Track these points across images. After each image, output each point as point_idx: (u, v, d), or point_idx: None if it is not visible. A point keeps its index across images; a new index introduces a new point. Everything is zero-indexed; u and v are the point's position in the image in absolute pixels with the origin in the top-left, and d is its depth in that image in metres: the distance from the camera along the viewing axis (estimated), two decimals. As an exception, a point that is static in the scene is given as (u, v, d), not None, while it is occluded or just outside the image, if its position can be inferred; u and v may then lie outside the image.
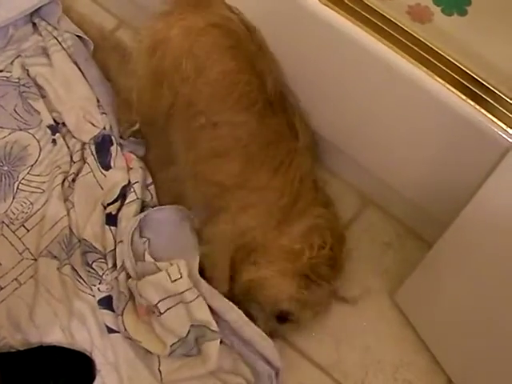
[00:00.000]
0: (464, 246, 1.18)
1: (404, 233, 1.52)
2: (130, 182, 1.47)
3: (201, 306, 1.29)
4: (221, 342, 1.29)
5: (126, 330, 1.31)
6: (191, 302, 1.28)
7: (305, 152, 1.36)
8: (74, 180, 1.49)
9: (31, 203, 1.47)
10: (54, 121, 1.57)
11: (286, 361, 1.33)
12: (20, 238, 1.43)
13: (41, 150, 1.54)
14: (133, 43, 1.47)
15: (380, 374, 1.38)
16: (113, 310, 1.35)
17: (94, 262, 1.39)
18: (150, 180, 1.49)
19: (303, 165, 1.34)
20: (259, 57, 1.34)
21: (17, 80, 1.62)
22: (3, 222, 1.45)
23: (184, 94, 1.34)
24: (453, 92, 1.13)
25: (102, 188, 1.47)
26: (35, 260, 1.40)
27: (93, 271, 1.39)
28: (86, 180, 1.49)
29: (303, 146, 1.36)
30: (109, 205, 1.45)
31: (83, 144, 1.54)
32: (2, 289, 1.37)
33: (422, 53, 1.15)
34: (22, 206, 1.47)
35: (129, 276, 1.35)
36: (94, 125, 1.55)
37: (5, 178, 1.50)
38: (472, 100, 1.12)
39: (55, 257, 1.39)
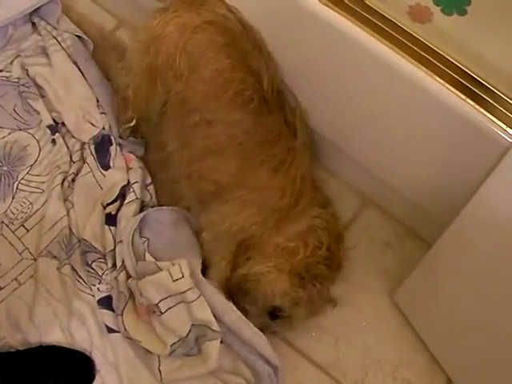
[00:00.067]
0: (463, 245, 1.18)
1: (403, 232, 1.53)
2: (129, 181, 1.47)
3: (202, 305, 1.29)
4: (221, 341, 1.29)
5: (125, 329, 1.31)
6: (193, 301, 1.29)
7: (303, 150, 1.36)
8: (73, 180, 1.49)
9: (31, 203, 1.47)
10: (54, 121, 1.57)
11: (286, 360, 1.34)
12: (20, 238, 1.43)
13: (40, 149, 1.54)
14: (131, 42, 1.46)
15: (379, 373, 1.39)
16: (112, 310, 1.34)
17: (93, 261, 1.39)
18: (149, 180, 1.50)
19: (303, 164, 1.35)
20: (255, 55, 1.34)
21: (16, 80, 1.62)
22: (3, 221, 1.45)
23: (177, 92, 1.34)
24: (452, 92, 1.13)
25: (102, 188, 1.47)
26: (35, 260, 1.40)
27: (92, 271, 1.39)
28: (86, 180, 1.49)
29: (301, 145, 1.36)
30: (108, 205, 1.45)
31: (83, 144, 1.54)
32: (1, 289, 1.37)
33: (421, 53, 1.16)
34: (21, 205, 1.47)
35: (129, 276, 1.35)
36: (93, 125, 1.55)
37: (4, 178, 1.50)
38: (472, 100, 1.12)
39: (55, 257, 1.39)
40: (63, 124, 1.57)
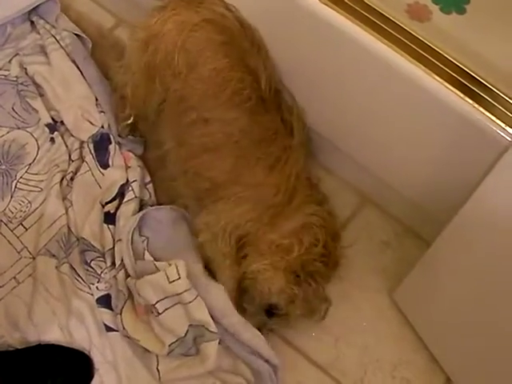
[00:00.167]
0: (462, 244, 1.18)
1: (402, 231, 1.52)
2: (128, 180, 1.46)
3: (199, 306, 1.29)
4: (219, 342, 1.29)
5: (124, 328, 1.31)
6: (190, 302, 1.28)
7: (299, 149, 1.36)
8: (72, 179, 1.49)
9: (29, 202, 1.47)
10: (52, 119, 1.57)
11: (285, 359, 1.34)
12: (18, 237, 1.43)
13: (39, 148, 1.54)
14: (129, 40, 1.46)
15: (379, 372, 1.38)
16: (111, 309, 1.34)
17: (92, 260, 1.39)
18: (148, 179, 1.49)
19: (298, 162, 1.35)
20: (253, 54, 1.34)
21: (15, 78, 1.62)
22: (1, 220, 1.44)
23: (175, 90, 1.34)
24: (451, 90, 1.13)
25: (101, 186, 1.47)
26: (33, 258, 1.40)
27: (91, 270, 1.38)
28: (85, 178, 1.48)
29: (298, 143, 1.36)
30: (107, 203, 1.45)
31: (81, 142, 1.54)
32: (0, 287, 1.37)
33: (420, 51, 1.16)
34: (20, 204, 1.47)
35: (128, 275, 1.35)
36: (92, 123, 1.55)
37: (3, 177, 1.50)
38: (470, 98, 1.12)
39: (53, 255, 1.39)
40: (62, 123, 1.57)
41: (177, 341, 1.28)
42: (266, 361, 1.31)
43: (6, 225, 1.44)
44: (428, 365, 1.39)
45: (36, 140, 1.55)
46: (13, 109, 1.59)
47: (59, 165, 1.50)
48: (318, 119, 1.43)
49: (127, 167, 1.49)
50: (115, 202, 1.45)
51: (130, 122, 1.49)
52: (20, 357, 1.29)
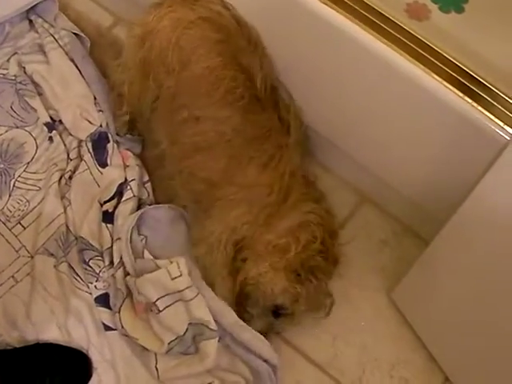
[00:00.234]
0: (461, 243, 1.18)
1: (401, 230, 1.52)
2: (126, 179, 1.46)
3: (200, 304, 1.29)
4: (218, 340, 1.29)
5: (123, 327, 1.31)
6: (191, 300, 1.29)
7: (296, 147, 1.36)
8: (70, 177, 1.49)
9: (28, 201, 1.47)
10: (51, 118, 1.57)
11: (284, 358, 1.34)
12: (16, 236, 1.43)
13: (37, 147, 1.54)
14: (126, 37, 1.46)
15: (377, 371, 1.38)
16: (109, 308, 1.34)
17: (90, 259, 1.39)
18: (146, 178, 1.49)
19: (294, 160, 1.34)
20: (249, 52, 1.34)
21: (13, 77, 1.62)
22: (-1, 219, 1.45)
23: (168, 87, 1.34)
24: (450, 89, 1.13)
25: (99, 185, 1.47)
26: (32, 257, 1.40)
27: (89, 269, 1.38)
28: (83, 177, 1.48)
29: (294, 142, 1.35)
30: (105, 202, 1.45)
31: (80, 141, 1.54)
32: (-2, 286, 1.37)
33: (419, 50, 1.16)
34: (18, 203, 1.47)
35: (127, 273, 1.35)
36: (90, 122, 1.55)
37: (1, 176, 1.50)
38: (469, 97, 1.13)
39: (52, 254, 1.39)
40: (60, 122, 1.57)
41: (176, 339, 1.28)
42: (265, 360, 1.30)
43: (4, 224, 1.44)
44: (426, 364, 1.39)
45: (34, 139, 1.55)
46: (11, 108, 1.59)
47: (57, 164, 1.50)
48: (317, 118, 1.43)
49: (125, 166, 1.49)
50: (113, 201, 1.45)
51: (126, 119, 1.49)
52: (18, 356, 1.29)
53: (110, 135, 1.52)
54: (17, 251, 1.41)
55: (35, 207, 1.46)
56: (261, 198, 1.31)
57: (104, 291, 1.36)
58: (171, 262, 1.31)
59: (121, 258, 1.36)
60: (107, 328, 1.33)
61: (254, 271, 1.29)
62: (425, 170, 1.31)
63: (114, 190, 1.45)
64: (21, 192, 1.48)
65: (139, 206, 1.44)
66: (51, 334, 1.32)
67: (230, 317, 1.31)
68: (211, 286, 1.34)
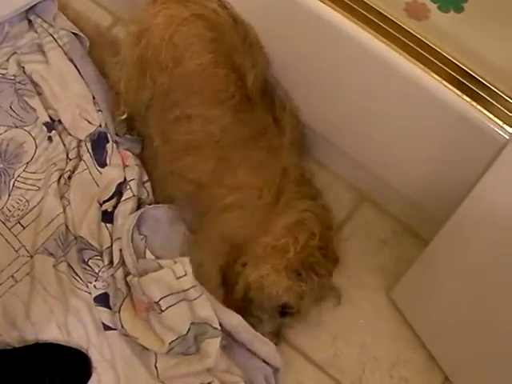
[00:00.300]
0: (460, 243, 1.17)
1: (400, 230, 1.52)
2: (125, 179, 1.46)
3: (204, 303, 1.29)
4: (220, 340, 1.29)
5: (122, 326, 1.31)
6: (195, 299, 1.28)
7: (291, 146, 1.35)
8: (69, 177, 1.49)
9: (27, 200, 1.47)
10: (50, 118, 1.57)
11: (283, 358, 1.33)
12: (16, 236, 1.43)
13: (37, 147, 1.54)
14: (124, 35, 1.47)
15: (376, 371, 1.38)
16: (109, 308, 1.34)
17: (90, 259, 1.39)
18: (146, 177, 1.49)
19: (289, 159, 1.33)
20: (243, 51, 1.33)
21: (12, 77, 1.62)
22: (-1, 219, 1.45)
23: (162, 83, 1.33)
24: (449, 89, 1.13)
25: (98, 185, 1.47)
26: (31, 257, 1.40)
27: (89, 268, 1.38)
28: (82, 177, 1.48)
29: (290, 140, 1.35)
30: (105, 202, 1.45)
31: (79, 141, 1.54)
32: (-3, 286, 1.37)
33: (418, 49, 1.16)
34: (17, 203, 1.47)
35: (127, 273, 1.35)
36: (89, 122, 1.55)
37: (0, 176, 1.50)
38: (468, 97, 1.12)
39: (51, 254, 1.39)
40: (60, 121, 1.57)
41: (177, 339, 1.28)
42: (267, 363, 1.31)
43: (3, 223, 1.44)
44: (426, 363, 1.39)
45: (34, 139, 1.55)
46: (10, 107, 1.58)
47: (57, 163, 1.50)
48: (315, 117, 1.43)
49: (125, 166, 1.48)
50: (113, 201, 1.45)
51: (124, 117, 1.49)
52: (18, 355, 1.29)
53: (109, 135, 1.52)
54: (16, 251, 1.41)
55: (34, 207, 1.46)
56: (252, 200, 1.30)
57: (103, 291, 1.36)
58: (175, 262, 1.31)
59: (120, 257, 1.36)
60: (107, 328, 1.33)
61: (255, 274, 1.28)
62: (424, 170, 1.31)
63: (113, 189, 1.45)
64: (20, 192, 1.48)
65: (139, 206, 1.44)
66: (51, 333, 1.32)
67: (233, 318, 1.31)
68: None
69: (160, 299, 1.28)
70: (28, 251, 1.41)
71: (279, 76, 1.40)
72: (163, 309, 1.29)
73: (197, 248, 1.35)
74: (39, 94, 1.61)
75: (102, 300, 1.35)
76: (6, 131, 1.55)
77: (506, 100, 1.10)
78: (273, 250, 1.28)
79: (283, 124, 1.35)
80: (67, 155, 1.52)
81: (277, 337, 1.34)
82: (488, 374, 1.23)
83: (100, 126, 1.54)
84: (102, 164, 1.49)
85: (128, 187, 1.44)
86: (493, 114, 1.11)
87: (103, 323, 1.33)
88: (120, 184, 1.45)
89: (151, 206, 1.43)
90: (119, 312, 1.32)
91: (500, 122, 1.10)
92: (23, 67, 1.63)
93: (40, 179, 1.49)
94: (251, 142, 1.32)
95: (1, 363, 1.27)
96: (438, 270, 1.25)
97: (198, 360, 1.28)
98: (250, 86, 1.32)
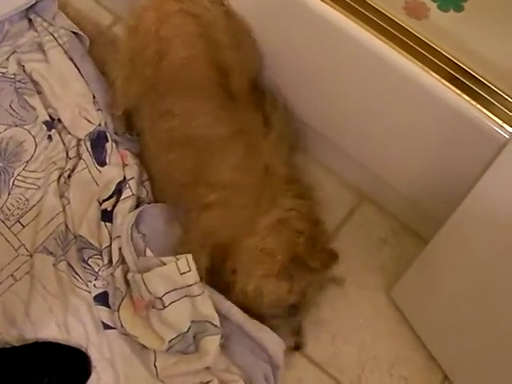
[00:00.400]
0: (460, 241, 1.17)
1: (400, 229, 1.52)
2: (125, 178, 1.46)
3: (206, 300, 1.29)
4: (220, 339, 1.29)
5: (122, 325, 1.31)
6: (198, 295, 1.28)
7: (277, 144, 1.34)
8: (69, 176, 1.49)
9: (27, 199, 1.47)
10: (50, 117, 1.57)
11: (283, 358, 1.33)
12: (15, 234, 1.43)
13: (36, 146, 1.54)
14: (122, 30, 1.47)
15: (376, 370, 1.38)
16: (109, 307, 1.34)
17: (89, 258, 1.39)
18: (145, 176, 1.49)
19: (273, 157, 1.32)
20: (231, 49, 1.32)
21: (12, 76, 1.62)
22: (-1, 218, 1.45)
23: (149, 77, 1.33)
24: (449, 87, 1.13)
25: (98, 184, 1.47)
26: (31, 256, 1.40)
27: (88, 267, 1.38)
28: (82, 176, 1.48)
29: (276, 138, 1.34)
30: (104, 201, 1.45)
31: (79, 140, 1.54)
32: (-3, 285, 1.37)
33: (417, 48, 1.16)
34: (17, 202, 1.47)
35: (127, 271, 1.35)
36: (89, 121, 1.55)
37: (0, 174, 1.50)
38: (468, 95, 1.12)
39: (51, 253, 1.39)
40: (59, 120, 1.57)
41: (177, 336, 1.28)
42: (268, 360, 1.31)
43: (3, 222, 1.44)
44: (426, 363, 1.39)
45: (33, 137, 1.55)
46: (10, 106, 1.58)
47: (56, 162, 1.50)
48: (314, 115, 1.43)
49: (124, 165, 1.48)
50: (112, 200, 1.45)
51: (119, 113, 1.48)
52: (17, 354, 1.29)
53: (108, 134, 1.52)
54: (16, 250, 1.41)
55: (34, 206, 1.46)
56: (233, 198, 1.29)
57: (103, 290, 1.36)
58: (178, 259, 1.31)
59: (119, 256, 1.36)
60: (106, 327, 1.33)
61: (251, 286, 1.27)
62: (424, 169, 1.31)
63: (112, 188, 1.45)
64: (20, 190, 1.48)
65: (138, 205, 1.44)
66: (50, 332, 1.32)
67: (237, 312, 1.31)
68: None
69: (164, 294, 1.28)
70: (28, 250, 1.41)
71: (277, 74, 1.40)
72: (166, 304, 1.28)
73: (182, 247, 1.34)
74: (39, 92, 1.61)
75: (102, 299, 1.35)
76: (5, 130, 1.55)
77: (506, 99, 1.10)
78: (261, 254, 1.26)
79: (272, 122, 1.34)
80: (67, 154, 1.52)
81: (297, 335, 1.34)
82: (488, 374, 1.23)
83: (100, 125, 1.54)
84: (102, 163, 1.49)
85: (127, 186, 1.44)
86: (492, 113, 1.11)
87: (103, 322, 1.33)
88: (119, 183, 1.45)
89: (150, 205, 1.43)
90: (118, 311, 1.32)
91: (500, 121, 1.10)
92: (23, 66, 1.63)
93: (40, 178, 1.49)
94: (232, 140, 1.30)
95: (0, 362, 1.27)
96: (438, 269, 1.25)
97: (197, 358, 1.28)
98: (233, 84, 1.31)
